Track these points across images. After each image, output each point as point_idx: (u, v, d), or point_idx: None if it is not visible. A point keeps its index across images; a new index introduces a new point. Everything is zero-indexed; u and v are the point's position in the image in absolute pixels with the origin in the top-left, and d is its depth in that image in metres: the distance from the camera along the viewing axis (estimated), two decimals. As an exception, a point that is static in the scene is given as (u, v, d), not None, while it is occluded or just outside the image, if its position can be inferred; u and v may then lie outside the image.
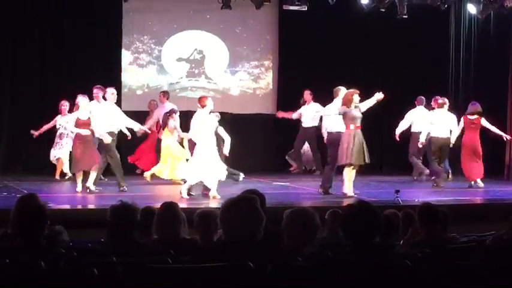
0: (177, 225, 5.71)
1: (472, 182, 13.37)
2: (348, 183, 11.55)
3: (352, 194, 11.49)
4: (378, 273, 4.27)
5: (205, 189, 11.51)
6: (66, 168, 13.92)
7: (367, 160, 11.52)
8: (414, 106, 14.65)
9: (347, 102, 11.45)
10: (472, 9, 15.67)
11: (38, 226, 4.83)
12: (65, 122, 13.36)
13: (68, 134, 13.45)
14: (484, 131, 13.68)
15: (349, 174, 11.55)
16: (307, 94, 15.47)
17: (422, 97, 14.67)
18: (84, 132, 11.80)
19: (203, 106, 11.49)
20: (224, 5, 14.67)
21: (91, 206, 11.10)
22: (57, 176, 14.00)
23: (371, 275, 4.25)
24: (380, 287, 4.24)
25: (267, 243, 4.45)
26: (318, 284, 4.17)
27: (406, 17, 14.92)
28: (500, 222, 7.50)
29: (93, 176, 11.88)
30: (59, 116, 13.90)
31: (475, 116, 13.38)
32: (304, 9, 15.27)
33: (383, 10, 15.03)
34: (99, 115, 12.09)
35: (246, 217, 4.34)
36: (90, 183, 11.84)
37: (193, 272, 4.20)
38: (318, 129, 14.80)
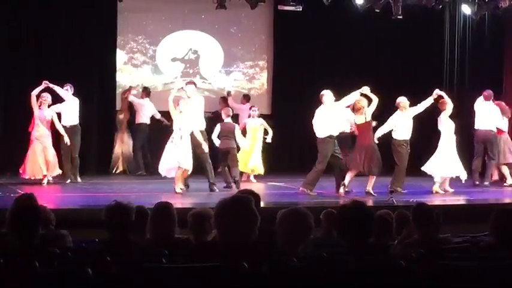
0: (171, 225, 5.72)
1: None
2: None
3: None
4: (373, 274, 4.28)
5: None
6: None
7: None
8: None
9: None
10: (466, 9, 15.68)
11: (32, 226, 4.83)
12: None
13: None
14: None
15: None
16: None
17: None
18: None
19: (402, 108, 12.45)
20: (219, 5, 14.65)
21: (85, 206, 11.03)
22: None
23: (365, 275, 4.26)
24: (374, 288, 4.24)
25: (261, 243, 4.45)
26: (313, 284, 4.17)
27: (401, 17, 14.93)
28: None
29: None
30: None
31: None
32: (299, 9, 15.29)
33: (377, 11, 15.04)
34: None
35: (240, 217, 4.34)
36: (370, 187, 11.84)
37: (187, 272, 4.20)
38: None
